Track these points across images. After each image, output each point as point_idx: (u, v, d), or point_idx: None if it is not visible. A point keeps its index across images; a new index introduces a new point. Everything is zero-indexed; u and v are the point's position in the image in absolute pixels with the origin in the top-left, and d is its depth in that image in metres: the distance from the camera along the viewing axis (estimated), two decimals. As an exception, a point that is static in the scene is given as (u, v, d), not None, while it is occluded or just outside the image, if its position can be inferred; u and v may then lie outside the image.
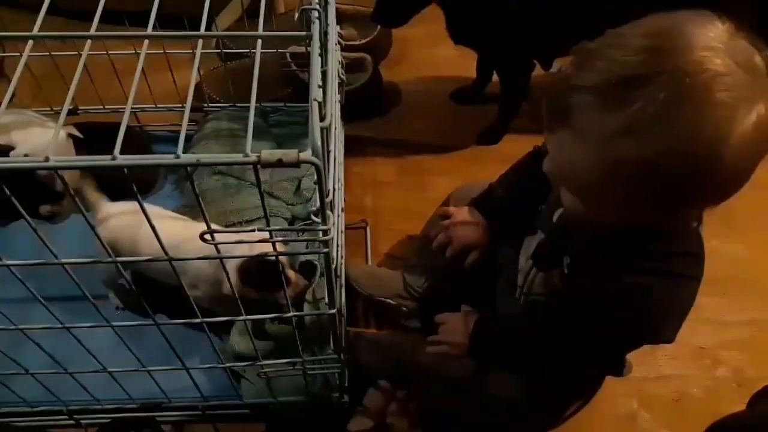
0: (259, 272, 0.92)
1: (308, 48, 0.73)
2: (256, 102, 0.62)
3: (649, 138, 0.60)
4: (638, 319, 0.78)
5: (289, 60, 1.44)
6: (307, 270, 1.03)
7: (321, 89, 0.63)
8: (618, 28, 0.66)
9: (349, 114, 1.52)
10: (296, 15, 0.73)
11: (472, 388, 1.02)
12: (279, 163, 0.55)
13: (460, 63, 1.59)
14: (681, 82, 0.58)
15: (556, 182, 0.77)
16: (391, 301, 1.22)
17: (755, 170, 0.63)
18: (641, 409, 1.15)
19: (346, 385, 0.99)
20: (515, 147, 1.11)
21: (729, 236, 1.36)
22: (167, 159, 0.56)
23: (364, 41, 1.65)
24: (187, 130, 0.60)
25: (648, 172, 0.62)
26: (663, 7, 0.64)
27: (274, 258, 0.73)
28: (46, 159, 0.57)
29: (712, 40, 0.60)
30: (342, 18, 1.68)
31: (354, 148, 1.54)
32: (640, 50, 0.61)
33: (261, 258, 0.87)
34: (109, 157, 0.56)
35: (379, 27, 1.68)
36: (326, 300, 0.77)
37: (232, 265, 0.94)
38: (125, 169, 0.58)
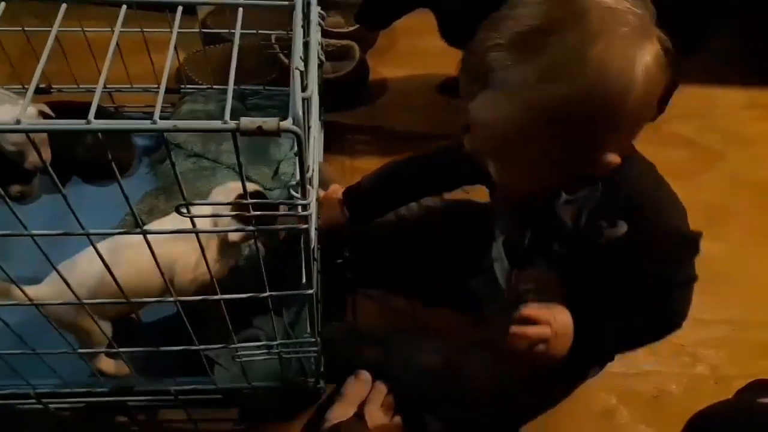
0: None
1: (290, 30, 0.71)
2: (236, 85, 0.60)
3: (569, 77, 0.65)
4: (655, 228, 0.80)
5: (273, 42, 1.42)
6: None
7: (302, 60, 0.62)
8: None
9: (333, 103, 1.51)
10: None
11: (445, 377, 1.02)
12: (259, 131, 0.53)
13: (448, 54, 1.56)
14: (585, 21, 0.64)
15: (481, 155, 0.79)
16: None
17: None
18: (620, 405, 1.15)
19: (322, 370, 0.98)
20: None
21: (708, 234, 1.35)
22: (144, 124, 0.55)
23: (351, 29, 1.63)
24: (163, 111, 0.58)
25: (574, 109, 0.66)
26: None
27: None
28: (18, 122, 0.55)
29: None
30: (329, 5, 1.67)
31: (337, 137, 1.53)
32: (544, 2, 0.67)
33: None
34: (84, 121, 0.55)
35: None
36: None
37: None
38: (100, 137, 0.56)
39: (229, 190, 0.97)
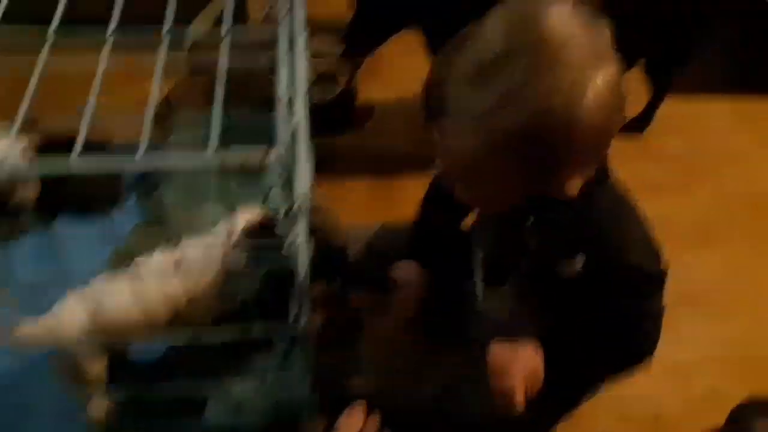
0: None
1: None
2: (223, 113, 0.60)
3: (519, 106, 0.65)
4: (612, 264, 0.81)
5: (260, 68, 1.42)
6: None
7: (289, 89, 0.61)
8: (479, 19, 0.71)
9: (322, 126, 1.50)
10: (264, 14, 0.71)
11: (442, 407, 1.01)
12: (245, 164, 0.52)
13: (434, 75, 1.58)
14: (536, 52, 0.66)
15: (449, 180, 0.81)
16: None
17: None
18: (619, 426, 1.14)
19: (316, 404, 0.96)
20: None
21: (702, 250, 1.37)
22: (127, 162, 0.54)
23: (337, 53, 1.63)
24: (150, 141, 0.57)
25: (526, 136, 0.67)
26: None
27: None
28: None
29: (557, 13, 0.67)
30: (315, 29, 1.67)
31: (326, 160, 1.52)
32: (497, 32, 0.68)
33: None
34: (67, 160, 0.54)
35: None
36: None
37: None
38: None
39: (238, 218, 0.96)
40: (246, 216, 0.95)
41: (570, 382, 0.92)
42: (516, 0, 0.72)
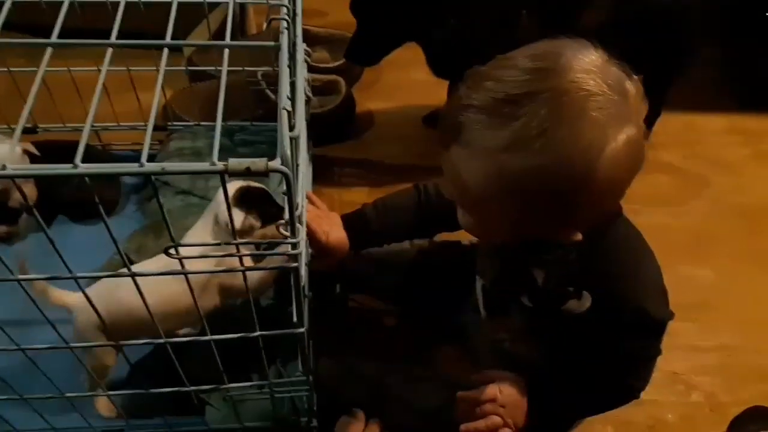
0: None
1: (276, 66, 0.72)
2: (223, 122, 0.60)
3: (533, 151, 0.65)
4: (620, 305, 0.81)
5: (260, 79, 1.42)
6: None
7: (290, 100, 0.62)
8: (509, 52, 0.71)
9: (321, 137, 1.51)
10: (265, 26, 0.72)
11: (444, 419, 0.99)
12: (247, 172, 0.53)
13: (433, 87, 1.58)
14: (560, 100, 0.64)
15: (453, 201, 0.80)
16: None
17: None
18: (616, 436, 1.14)
19: (315, 409, 0.96)
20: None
21: (697, 261, 1.38)
22: (131, 167, 0.55)
23: (336, 64, 1.65)
24: (150, 149, 0.58)
25: (533, 183, 0.66)
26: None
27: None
28: (3, 167, 0.55)
29: (588, 64, 0.66)
30: (315, 41, 1.69)
31: (325, 170, 1.54)
32: (525, 71, 0.67)
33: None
34: (70, 165, 0.54)
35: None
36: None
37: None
38: (87, 179, 0.56)
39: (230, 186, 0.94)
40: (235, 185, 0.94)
41: (559, 415, 0.93)
42: (549, 42, 0.71)
